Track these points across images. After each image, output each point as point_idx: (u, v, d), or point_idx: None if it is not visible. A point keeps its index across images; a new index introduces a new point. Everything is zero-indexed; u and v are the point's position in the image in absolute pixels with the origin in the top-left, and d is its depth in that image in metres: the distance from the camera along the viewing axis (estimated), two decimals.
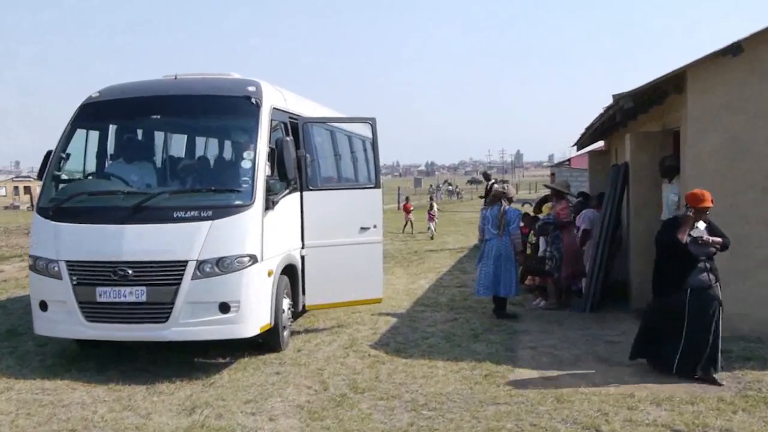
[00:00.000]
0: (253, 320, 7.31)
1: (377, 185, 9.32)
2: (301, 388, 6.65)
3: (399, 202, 44.32)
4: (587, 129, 13.03)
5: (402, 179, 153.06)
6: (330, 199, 8.89)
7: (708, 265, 6.84)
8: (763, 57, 8.19)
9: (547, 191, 12.21)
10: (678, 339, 6.82)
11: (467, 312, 10.18)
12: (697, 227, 6.84)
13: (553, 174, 33.60)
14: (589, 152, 17.73)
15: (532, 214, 12.16)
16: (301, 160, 8.57)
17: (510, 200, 9.93)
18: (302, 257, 8.63)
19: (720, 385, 6.58)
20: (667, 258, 6.92)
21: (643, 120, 11.47)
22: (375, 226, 9.06)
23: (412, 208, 26.52)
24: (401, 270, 14.84)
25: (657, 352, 7.07)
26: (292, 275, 8.41)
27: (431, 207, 24.73)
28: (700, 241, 6.78)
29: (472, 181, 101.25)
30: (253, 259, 7.27)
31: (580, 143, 16.87)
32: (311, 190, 8.69)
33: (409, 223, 25.48)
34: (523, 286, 11.03)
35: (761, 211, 8.23)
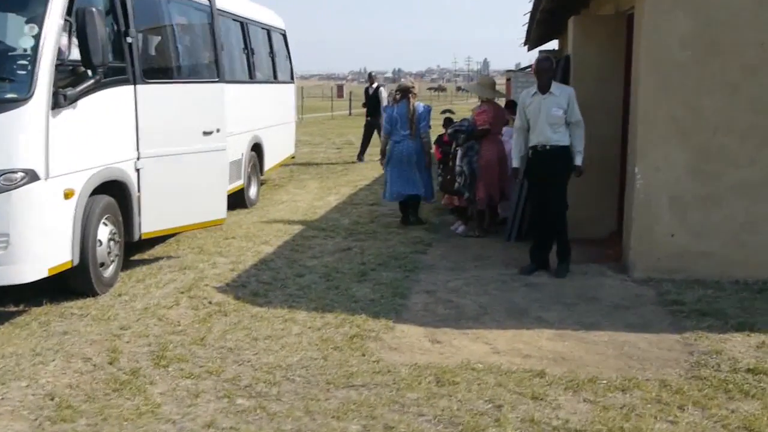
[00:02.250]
0: (35, 259, 5.29)
1: (220, 78, 7.29)
2: (75, 360, 4.69)
3: (351, 109, 41.85)
4: (531, 18, 10.86)
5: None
6: (172, 95, 6.84)
7: None
8: None
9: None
10: None
11: (368, 239, 8.26)
12: None
13: (508, 80, 31.24)
14: (540, 52, 15.58)
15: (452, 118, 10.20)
16: (132, 42, 6.36)
17: (415, 96, 8.90)
18: (138, 171, 6.55)
19: None
20: None
21: (596, 6, 9.38)
22: (218, 130, 7.04)
23: None
24: (316, 183, 12.82)
25: None
26: (121, 195, 6.36)
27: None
28: None
29: (436, 89, 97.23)
30: (31, 175, 5.18)
31: (530, 40, 14.71)
32: (149, 82, 6.55)
33: None
34: (441, 206, 9.16)
35: (733, 120, 6.32)
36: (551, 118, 6.41)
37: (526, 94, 6.64)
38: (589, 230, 7.79)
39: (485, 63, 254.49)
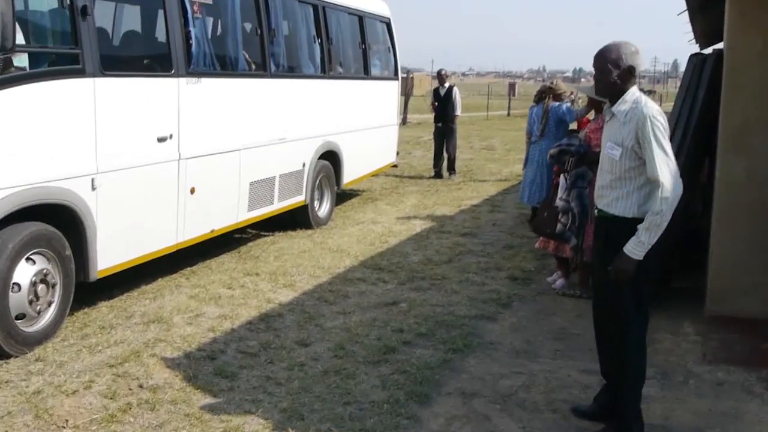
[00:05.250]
0: None
1: (177, 71, 5.73)
2: None
3: (509, 109, 39.33)
4: (688, 5, 8.28)
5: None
6: (132, 90, 5.33)
7: None
8: None
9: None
10: None
11: (429, 288, 6.26)
12: None
13: None
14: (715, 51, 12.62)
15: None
16: (88, 22, 4.78)
17: (559, 96, 7.77)
18: (94, 190, 4.98)
19: None
20: None
21: None
22: (171, 136, 5.55)
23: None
24: (414, 199, 10.85)
25: None
26: (67, 226, 4.83)
27: None
28: None
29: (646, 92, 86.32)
30: None
31: (698, 35, 11.88)
32: (110, 75, 4.99)
33: None
34: (537, 248, 6.93)
35: None
36: (606, 161, 3.64)
37: (606, 108, 3.85)
38: (742, 304, 5.39)
39: (674, 64, 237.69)
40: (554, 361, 4.75)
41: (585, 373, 4.51)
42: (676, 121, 6.16)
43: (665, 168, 3.38)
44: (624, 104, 3.52)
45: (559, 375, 4.51)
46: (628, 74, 3.50)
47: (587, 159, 5.83)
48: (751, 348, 4.85)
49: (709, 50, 13.83)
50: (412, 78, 40.52)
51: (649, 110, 3.43)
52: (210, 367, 4.49)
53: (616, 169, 3.54)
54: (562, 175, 6.15)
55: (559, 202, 6.05)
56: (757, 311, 5.28)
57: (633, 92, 3.53)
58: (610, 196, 3.60)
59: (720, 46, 13.15)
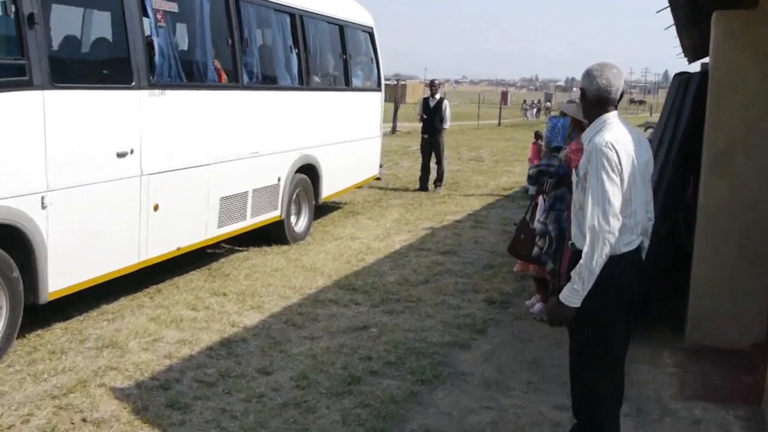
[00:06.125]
0: None
1: (138, 83, 5.45)
2: None
3: (500, 118, 39.16)
4: (673, 15, 8.07)
5: (536, 93, 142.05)
6: (87, 103, 5.08)
7: None
8: None
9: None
10: None
11: (403, 312, 6.02)
12: None
13: None
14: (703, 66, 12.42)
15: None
16: (37, 30, 4.53)
17: None
18: (45, 209, 4.73)
19: None
20: None
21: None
22: (132, 152, 5.31)
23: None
24: (397, 213, 10.60)
25: None
26: (14, 246, 4.58)
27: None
28: None
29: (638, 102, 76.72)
30: None
31: (685, 48, 11.68)
32: (62, 87, 4.74)
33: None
34: (516, 271, 6.69)
35: None
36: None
37: None
38: (724, 332, 5.15)
39: (665, 75, 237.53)
40: (526, 395, 4.51)
41: (557, 409, 4.28)
42: (659, 139, 5.95)
43: (595, 208, 3.08)
44: (591, 130, 3.28)
45: (530, 411, 4.27)
46: (600, 100, 3.24)
47: (566, 180, 5.60)
48: (731, 382, 4.63)
49: (696, 65, 13.65)
50: (404, 85, 40.29)
51: (601, 139, 3.13)
52: (162, 398, 4.24)
53: (576, 198, 3.32)
54: (540, 196, 5.95)
55: (536, 225, 5.84)
56: (739, 340, 5.06)
57: (604, 118, 3.26)
58: (573, 228, 3.37)
59: (708, 60, 12.96)
